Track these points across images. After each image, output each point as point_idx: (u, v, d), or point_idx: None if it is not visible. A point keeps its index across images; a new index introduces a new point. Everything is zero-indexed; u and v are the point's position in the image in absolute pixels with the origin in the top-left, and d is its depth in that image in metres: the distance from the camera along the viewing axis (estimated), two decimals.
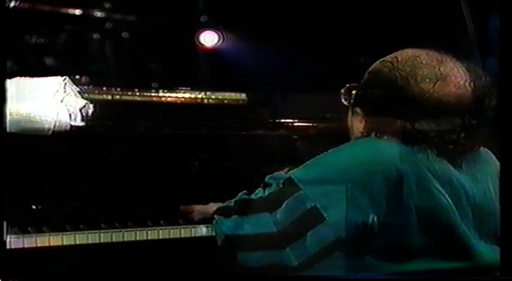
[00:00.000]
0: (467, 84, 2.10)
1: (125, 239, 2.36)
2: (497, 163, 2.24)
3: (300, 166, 2.12)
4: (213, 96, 3.01)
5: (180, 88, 3.01)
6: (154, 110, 2.91)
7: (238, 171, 2.67)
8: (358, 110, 2.20)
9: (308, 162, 2.12)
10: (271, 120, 3.01)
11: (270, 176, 2.23)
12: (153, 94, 2.93)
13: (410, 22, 4.30)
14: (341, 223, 2.01)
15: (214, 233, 2.20)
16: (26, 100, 2.42)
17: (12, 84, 2.43)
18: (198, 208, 2.44)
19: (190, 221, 2.44)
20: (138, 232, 2.39)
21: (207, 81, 4.76)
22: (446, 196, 2.07)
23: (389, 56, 2.18)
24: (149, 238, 2.42)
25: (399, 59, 2.14)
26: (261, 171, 2.44)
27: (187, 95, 2.98)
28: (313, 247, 2.02)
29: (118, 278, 2.39)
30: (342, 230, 2.01)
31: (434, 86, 2.08)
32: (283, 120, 2.95)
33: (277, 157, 2.75)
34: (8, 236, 2.20)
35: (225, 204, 2.26)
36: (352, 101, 2.24)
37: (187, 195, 2.52)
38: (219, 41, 4.89)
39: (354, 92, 2.24)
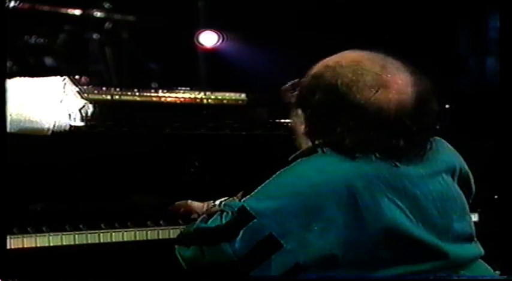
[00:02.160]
0: (409, 89, 2.06)
1: (125, 239, 2.36)
2: (449, 147, 2.23)
3: (252, 193, 2.09)
4: (212, 97, 3.01)
5: (179, 88, 3.01)
6: (154, 110, 2.91)
7: (238, 171, 2.68)
8: (299, 111, 2.19)
9: (259, 188, 2.09)
10: (271, 120, 3.01)
11: (224, 203, 2.22)
12: (152, 94, 2.93)
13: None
14: (299, 249, 1.99)
15: None
16: (25, 100, 2.42)
17: (12, 84, 2.43)
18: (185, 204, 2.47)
19: (189, 221, 2.45)
20: (137, 232, 2.39)
21: (207, 81, 4.76)
22: (400, 203, 2.04)
23: (332, 58, 2.14)
24: (149, 238, 2.42)
25: (342, 64, 2.09)
26: (259, 171, 2.44)
27: (187, 95, 2.98)
28: (275, 272, 2.01)
29: (118, 278, 2.39)
30: (300, 255, 2.00)
31: (375, 93, 2.04)
32: (283, 121, 2.95)
33: (277, 157, 2.75)
34: (8, 236, 2.20)
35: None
36: (294, 100, 2.23)
37: (187, 195, 2.52)
38: (218, 41, 4.89)
39: (296, 92, 2.22)
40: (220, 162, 2.73)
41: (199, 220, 2.18)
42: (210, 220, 2.11)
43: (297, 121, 2.20)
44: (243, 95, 3.06)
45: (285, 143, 2.85)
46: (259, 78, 3.99)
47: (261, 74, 4.29)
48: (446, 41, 4.64)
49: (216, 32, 4.83)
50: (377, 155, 2.05)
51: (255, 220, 2.02)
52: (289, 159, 2.15)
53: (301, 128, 2.17)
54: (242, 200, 2.11)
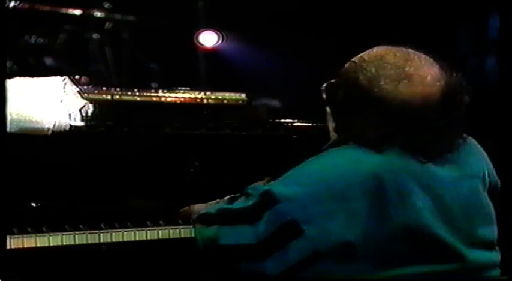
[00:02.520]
0: (436, 83, 2.05)
1: (125, 239, 2.36)
2: (481, 151, 2.23)
3: (279, 178, 2.10)
4: (212, 97, 3.01)
5: (179, 88, 3.01)
6: (154, 110, 2.91)
7: (238, 171, 2.68)
8: (327, 109, 2.21)
9: (287, 174, 2.10)
10: (271, 120, 3.01)
11: (250, 186, 2.22)
12: (152, 94, 2.93)
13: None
14: (320, 237, 1.99)
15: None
16: (25, 100, 2.42)
17: (12, 84, 2.43)
18: (188, 209, 2.46)
19: (189, 221, 2.45)
20: (137, 232, 2.39)
21: (207, 81, 4.76)
22: (426, 201, 2.04)
23: (359, 54, 2.14)
24: (149, 238, 2.42)
25: (365, 59, 2.09)
26: (259, 172, 2.44)
27: (187, 95, 2.98)
28: (292, 258, 2.01)
29: (118, 278, 2.39)
30: (320, 243, 1.99)
31: (397, 86, 2.03)
32: (283, 121, 2.95)
33: (276, 157, 2.75)
34: (8, 236, 2.20)
35: (206, 210, 2.24)
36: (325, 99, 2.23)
37: (187, 195, 2.52)
38: (218, 41, 4.89)
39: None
40: (220, 162, 2.73)
41: (222, 201, 2.20)
42: (235, 202, 2.12)
43: (328, 119, 2.21)
44: (243, 95, 3.06)
45: (285, 143, 2.86)
46: (259, 78, 3.99)
47: (261, 74, 4.29)
48: (446, 41, 4.64)
49: (216, 32, 4.83)
50: (403, 149, 2.04)
51: (280, 204, 2.02)
52: (322, 148, 2.17)
53: (331, 126, 2.19)
54: (269, 184, 2.11)
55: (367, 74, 2.06)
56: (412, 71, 2.05)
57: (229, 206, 2.15)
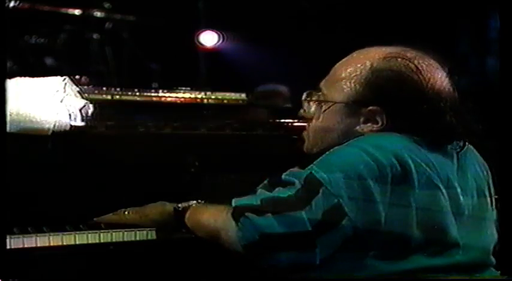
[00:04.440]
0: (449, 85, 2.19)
1: (125, 239, 2.36)
2: (481, 160, 2.30)
3: (316, 162, 2.13)
4: (213, 96, 3.01)
5: (180, 88, 3.02)
6: (154, 110, 2.91)
7: (238, 171, 2.68)
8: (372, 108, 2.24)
9: (322, 157, 2.12)
10: (271, 120, 3.01)
11: (287, 173, 2.21)
12: (153, 94, 2.93)
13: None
14: (358, 219, 2.02)
15: (238, 233, 2.16)
16: (26, 100, 2.42)
17: (13, 84, 2.43)
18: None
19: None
20: (137, 233, 2.39)
21: (207, 82, 4.76)
22: (444, 192, 2.09)
23: (393, 51, 2.22)
24: (148, 238, 2.42)
25: (408, 55, 2.19)
26: (259, 171, 2.44)
27: (187, 95, 2.98)
28: (336, 243, 2.04)
29: (118, 278, 2.39)
30: (358, 226, 2.02)
31: (438, 80, 2.16)
32: (283, 120, 2.95)
33: (276, 157, 2.75)
34: (8, 236, 2.20)
35: (246, 202, 2.21)
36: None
37: (187, 195, 2.52)
38: (218, 41, 4.90)
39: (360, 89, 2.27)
40: (220, 162, 2.73)
41: (260, 190, 2.20)
42: (278, 191, 2.12)
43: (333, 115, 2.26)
44: (243, 95, 3.06)
45: (285, 143, 2.86)
46: (259, 78, 3.99)
47: (261, 74, 4.29)
48: (446, 41, 4.65)
49: (216, 32, 4.84)
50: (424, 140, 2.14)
51: (324, 188, 2.04)
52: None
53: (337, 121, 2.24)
54: (308, 169, 2.11)
55: (417, 68, 2.17)
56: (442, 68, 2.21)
57: (276, 194, 2.13)
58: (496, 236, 2.25)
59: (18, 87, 2.44)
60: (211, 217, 2.23)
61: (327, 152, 2.14)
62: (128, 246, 2.39)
